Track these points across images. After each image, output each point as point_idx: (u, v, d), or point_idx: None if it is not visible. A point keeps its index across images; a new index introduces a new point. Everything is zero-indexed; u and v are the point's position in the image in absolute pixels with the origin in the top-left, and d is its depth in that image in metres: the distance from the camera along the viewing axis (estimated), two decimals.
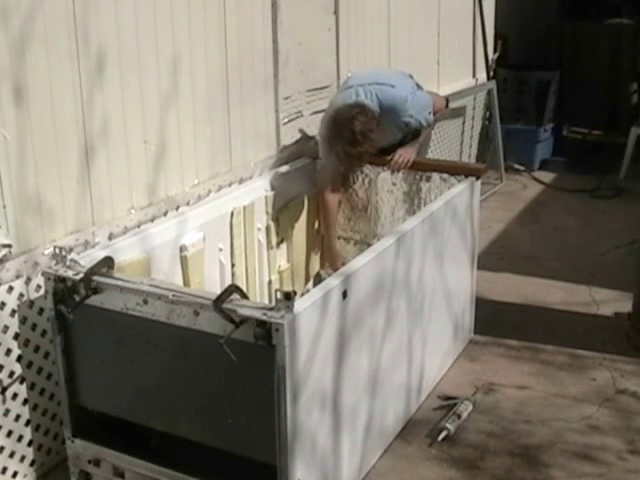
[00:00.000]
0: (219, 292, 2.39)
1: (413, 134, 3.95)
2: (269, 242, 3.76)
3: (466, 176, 3.76)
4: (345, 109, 3.65)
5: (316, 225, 4.13)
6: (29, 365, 2.89)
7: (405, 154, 3.88)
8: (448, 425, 3.23)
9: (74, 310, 2.58)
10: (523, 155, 6.93)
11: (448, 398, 3.47)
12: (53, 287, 2.62)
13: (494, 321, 4.14)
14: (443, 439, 3.20)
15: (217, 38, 3.63)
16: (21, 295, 2.81)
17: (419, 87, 3.99)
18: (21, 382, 2.85)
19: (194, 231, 3.24)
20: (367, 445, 2.97)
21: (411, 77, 4.03)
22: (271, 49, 4.02)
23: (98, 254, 2.74)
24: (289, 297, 2.31)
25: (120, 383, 2.71)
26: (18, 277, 2.79)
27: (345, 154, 3.61)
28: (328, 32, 4.38)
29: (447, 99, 4.32)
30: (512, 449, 3.16)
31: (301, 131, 4.31)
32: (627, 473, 3.02)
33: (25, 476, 2.94)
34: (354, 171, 4.06)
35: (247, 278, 3.61)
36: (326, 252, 4.14)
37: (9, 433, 2.85)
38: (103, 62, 3.03)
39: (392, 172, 3.95)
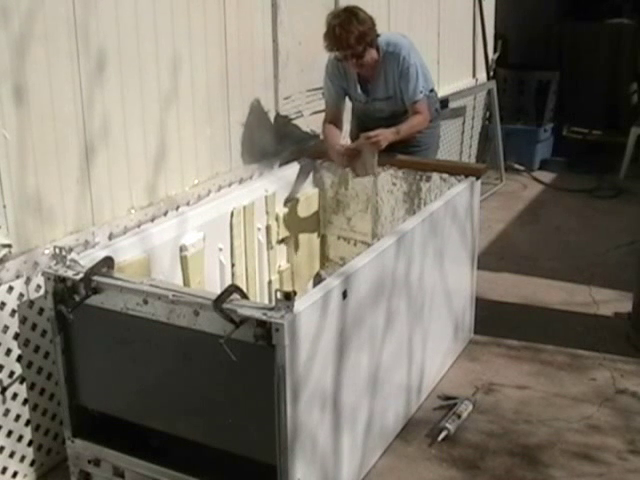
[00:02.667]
0: (219, 292, 2.39)
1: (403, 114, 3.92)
2: (269, 242, 3.76)
3: (466, 176, 3.76)
4: None
5: (316, 225, 4.13)
6: (29, 365, 2.89)
7: (380, 135, 3.76)
8: (448, 425, 3.23)
9: (74, 310, 2.58)
10: (523, 155, 6.92)
11: (448, 398, 3.47)
12: (53, 287, 2.62)
13: (494, 321, 4.14)
14: (443, 439, 3.20)
15: (217, 38, 3.63)
16: (21, 295, 2.81)
17: None
18: (21, 382, 2.85)
19: (194, 231, 3.24)
20: (367, 445, 2.97)
21: None
22: (271, 49, 4.02)
23: (98, 254, 2.74)
24: (289, 297, 2.31)
25: (120, 383, 2.71)
26: (18, 277, 2.79)
27: (334, 48, 3.69)
28: None
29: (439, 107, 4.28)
30: (512, 449, 3.16)
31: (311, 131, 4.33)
32: (627, 473, 3.02)
33: (25, 476, 2.94)
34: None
35: (247, 278, 3.61)
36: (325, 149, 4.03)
37: (9, 433, 2.85)
38: (103, 62, 3.03)
39: (360, 144, 3.82)
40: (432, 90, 4.07)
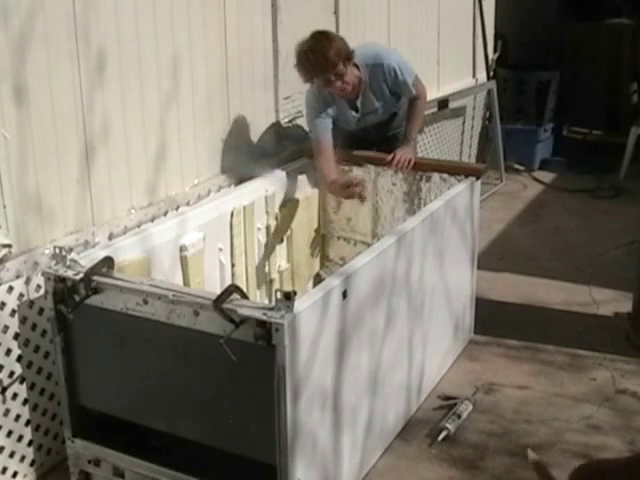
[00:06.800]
0: (219, 292, 2.39)
1: (402, 116, 3.93)
2: (269, 242, 3.76)
3: (466, 176, 3.76)
4: None
5: (316, 225, 4.13)
6: (29, 365, 2.89)
7: (405, 154, 3.87)
8: (448, 425, 3.23)
9: (74, 310, 2.58)
10: (523, 155, 6.92)
11: (448, 398, 3.47)
12: (53, 287, 2.62)
13: (494, 321, 4.14)
14: (443, 439, 3.20)
15: (217, 38, 3.63)
16: (21, 295, 2.81)
17: None
18: (21, 382, 2.85)
19: (194, 231, 3.24)
20: (367, 445, 2.97)
21: None
22: (271, 49, 4.02)
23: (98, 254, 2.74)
24: (289, 297, 2.31)
25: (120, 383, 2.71)
26: (18, 277, 2.79)
27: (313, 74, 3.58)
28: None
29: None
30: (512, 449, 3.15)
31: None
32: None
33: (25, 476, 2.94)
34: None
35: (247, 278, 3.61)
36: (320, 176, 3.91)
37: (9, 433, 2.85)
38: (103, 62, 3.03)
39: (395, 172, 3.93)
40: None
